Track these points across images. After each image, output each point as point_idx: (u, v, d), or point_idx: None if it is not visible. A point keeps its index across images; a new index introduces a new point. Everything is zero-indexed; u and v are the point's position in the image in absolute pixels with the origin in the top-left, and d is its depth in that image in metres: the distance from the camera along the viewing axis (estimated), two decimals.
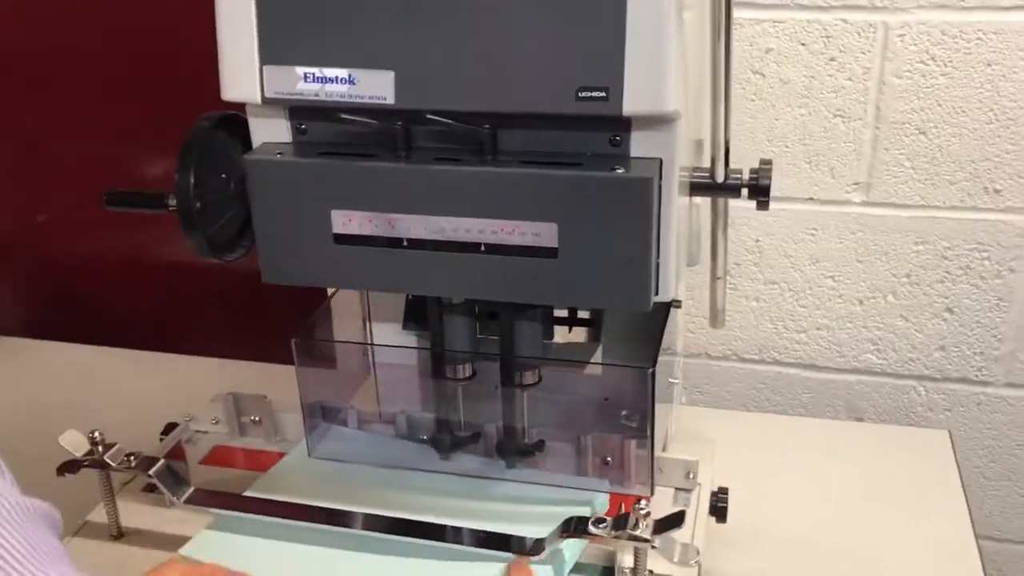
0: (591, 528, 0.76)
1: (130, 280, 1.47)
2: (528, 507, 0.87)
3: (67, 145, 1.41)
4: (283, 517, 0.85)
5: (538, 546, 0.81)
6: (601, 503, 0.86)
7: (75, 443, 0.87)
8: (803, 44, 1.10)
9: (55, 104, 1.38)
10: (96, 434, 0.86)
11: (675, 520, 0.75)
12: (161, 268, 1.43)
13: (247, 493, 0.91)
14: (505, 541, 0.82)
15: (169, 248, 1.40)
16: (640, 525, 0.74)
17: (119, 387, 1.30)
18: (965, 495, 1.04)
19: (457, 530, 0.83)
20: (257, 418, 1.02)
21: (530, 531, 0.83)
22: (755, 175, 0.78)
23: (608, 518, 0.76)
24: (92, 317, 1.49)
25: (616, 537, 0.75)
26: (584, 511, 0.81)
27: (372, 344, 0.94)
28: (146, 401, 1.20)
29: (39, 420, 1.01)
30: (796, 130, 1.14)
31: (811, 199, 1.17)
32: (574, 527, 0.78)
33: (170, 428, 1.04)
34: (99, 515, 0.91)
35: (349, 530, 0.84)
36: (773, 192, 1.18)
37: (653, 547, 0.74)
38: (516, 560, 0.79)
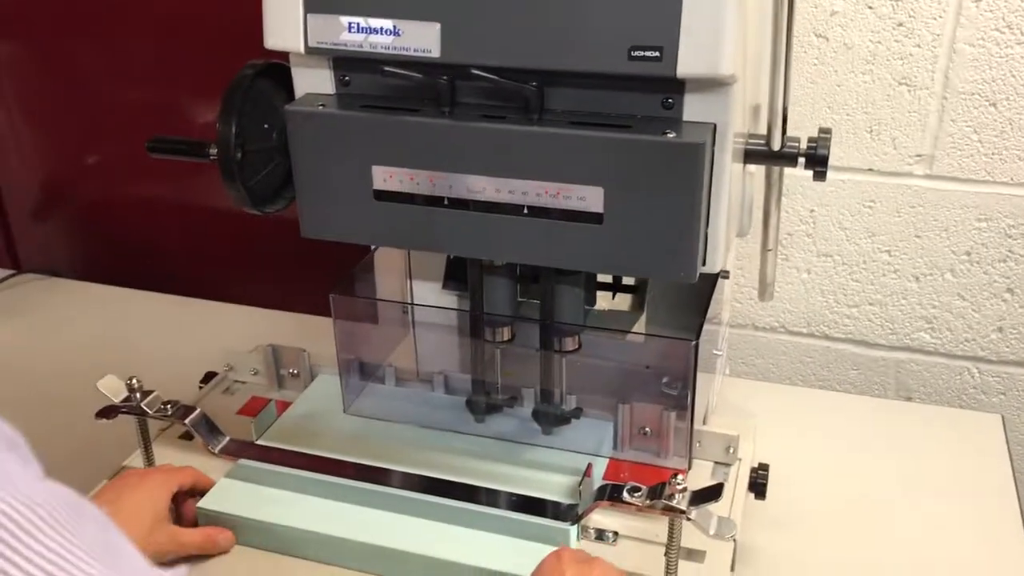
0: (625, 496, 0.75)
1: (178, 226, 1.48)
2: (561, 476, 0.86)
3: (122, 90, 1.41)
4: (311, 470, 0.86)
5: (572, 512, 0.80)
6: None
7: (113, 389, 0.87)
8: (870, 7, 1.05)
9: (112, 49, 1.38)
10: (134, 381, 0.86)
11: (712, 493, 0.73)
12: (209, 215, 1.43)
13: (260, 441, 0.92)
14: (540, 506, 0.81)
15: (217, 195, 1.40)
16: (676, 497, 0.73)
17: (163, 332, 1.31)
18: (1015, 482, 1.01)
19: (493, 493, 0.82)
20: (295, 371, 1.02)
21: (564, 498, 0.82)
22: (813, 144, 0.74)
23: (644, 487, 0.75)
24: (140, 261, 1.50)
25: (651, 507, 0.74)
26: None
27: (412, 304, 0.93)
28: (188, 347, 1.20)
29: (86, 361, 1.02)
30: (858, 98, 1.10)
31: (870, 170, 1.13)
32: (608, 494, 0.76)
33: (209, 377, 1.04)
34: (136, 460, 0.91)
35: (373, 487, 0.84)
36: (831, 161, 1.15)
37: (688, 519, 0.72)
38: None
